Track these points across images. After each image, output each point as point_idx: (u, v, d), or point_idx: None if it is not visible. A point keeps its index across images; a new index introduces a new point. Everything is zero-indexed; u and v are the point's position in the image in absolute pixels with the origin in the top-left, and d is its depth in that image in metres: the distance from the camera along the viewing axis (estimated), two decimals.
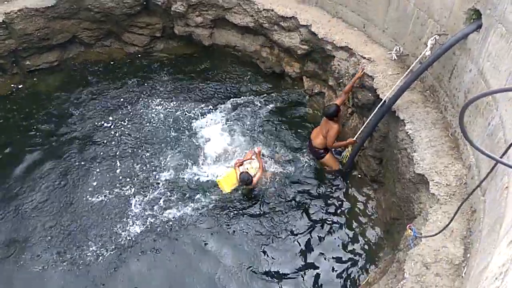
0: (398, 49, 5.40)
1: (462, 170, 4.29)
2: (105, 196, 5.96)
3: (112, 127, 6.93)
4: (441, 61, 4.64)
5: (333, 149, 6.22)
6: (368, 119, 5.43)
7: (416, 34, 5.12)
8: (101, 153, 6.53)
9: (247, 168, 5.93)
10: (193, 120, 7.04)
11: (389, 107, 5.05)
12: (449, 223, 3.31)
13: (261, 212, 5.85)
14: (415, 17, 5.04)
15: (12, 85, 7.58)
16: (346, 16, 6.18)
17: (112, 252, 5.36)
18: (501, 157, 2.02)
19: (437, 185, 4.23)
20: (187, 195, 5.99)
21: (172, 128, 6.92)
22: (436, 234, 3.55)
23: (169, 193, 6.01)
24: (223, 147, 6.63)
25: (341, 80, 6.20)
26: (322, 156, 6.19)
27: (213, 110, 7.21)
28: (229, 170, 6.06)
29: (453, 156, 4.45)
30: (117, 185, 6.11)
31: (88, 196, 5.96)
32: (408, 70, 5.10)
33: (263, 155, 6.26)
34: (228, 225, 5.69)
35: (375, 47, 5.78)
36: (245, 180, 5.67)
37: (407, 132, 4.82)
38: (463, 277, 3.46)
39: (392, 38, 5.57)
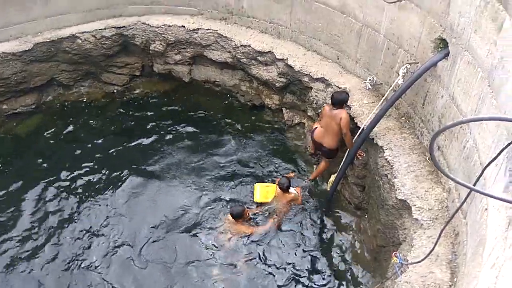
0: (371, 79, 5.57)
1: (443, 194, 4.36)
2: (90, 238, 5.83)
3: (93, 170, 6.83)
4: (413, 88, 4.80)
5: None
6: (349, 149, 5.51)
7: (388, 63, 5.31)
8: (84, 198, 6.41)
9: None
10: (172, 159, 7.01)
11: (367, 134, 5.15)
12: (433, 248, 3.33)
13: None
14: (386, 47, 5.24)
15: None
16: (320, 49, 6.38)
17: None
18: (475, 183, 2.07)
19: (419, 210, 4.27)
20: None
21: (154, 171, 6.83)
22: (421, 260, 3.55)
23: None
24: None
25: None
26: (335, 155, 5.91)
27: (193, 149, 7.18)
28: (270, 184, 6.24)
29: (432, 180, 4.52)
30: (95, 229, 6.00)
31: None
32: (383, 98, 5.25)
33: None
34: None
35: (350, 77, 5.95)
36: (282, 183, 5.90)
37: (387, 159, 4.90)
38: None
39: (365, 68, 5.75)
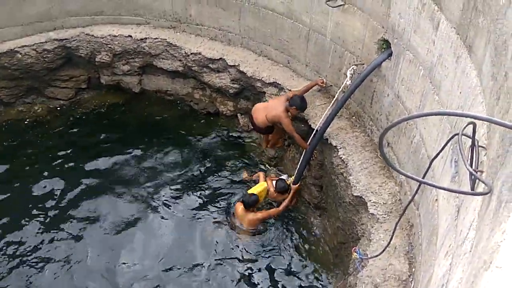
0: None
1: (395, 188, 4.55)
2: None
3: (46, 189, 6.51)
4: (361, 88, 4.97)
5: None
6: (305, 149, 5.61)
7: (335, 65, 5.47)
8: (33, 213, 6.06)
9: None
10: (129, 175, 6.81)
11: (322, 135, 5.28)
12: (390, 240, 3.46)
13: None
14: (333, 50, 5.40)
15: None
16: (270, 54, 6.47)
17: None
18: (424, 176, 2.17)
19: (374, 205, 4.43)
20: None
21: (108, 187, 6.61)
22: (380, 254, 3.68)
23: None
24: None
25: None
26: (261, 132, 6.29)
27: (149, 162, 7.02)
28: (262, 184, 5.96)
29: (384, 175, 4.71)
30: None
31: None
32: (334, 100, 5.40)
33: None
34: None
35: (301, 80, 6.07)
36: (281, 187, 5.78)
37: (341, 157, 5.05)
38: None
39: (315, 71, 5.90)
